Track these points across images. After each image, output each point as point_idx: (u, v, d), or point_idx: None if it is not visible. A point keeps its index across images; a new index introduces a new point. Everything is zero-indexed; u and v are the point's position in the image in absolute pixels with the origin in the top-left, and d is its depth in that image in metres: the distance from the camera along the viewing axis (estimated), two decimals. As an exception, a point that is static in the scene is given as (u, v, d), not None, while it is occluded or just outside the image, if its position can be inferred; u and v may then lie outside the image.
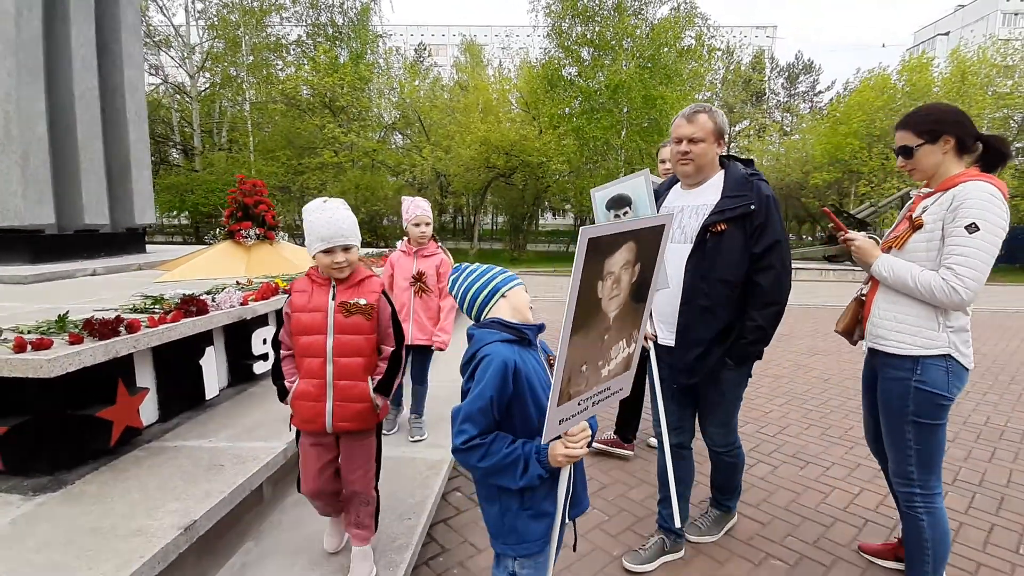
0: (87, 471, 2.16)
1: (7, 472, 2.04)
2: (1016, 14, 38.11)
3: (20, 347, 1.92)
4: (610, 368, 1.29)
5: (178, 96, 24.00)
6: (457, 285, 1.50)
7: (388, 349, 1.98)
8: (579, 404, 1.24)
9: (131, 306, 2.79)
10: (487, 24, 49.31)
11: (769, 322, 2.03)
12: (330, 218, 1.83)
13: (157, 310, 2.74)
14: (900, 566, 2.31)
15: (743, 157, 2.19)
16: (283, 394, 1.96)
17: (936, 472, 1.91)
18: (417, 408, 3.29)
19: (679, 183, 2.28)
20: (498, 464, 1.31)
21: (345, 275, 1.91)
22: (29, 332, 2.17)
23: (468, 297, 1.47)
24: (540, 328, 1.48)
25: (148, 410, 2.61)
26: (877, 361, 2.01)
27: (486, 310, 1.45)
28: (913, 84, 20.13)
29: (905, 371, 1.87)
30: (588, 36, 19.60)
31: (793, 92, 37.76)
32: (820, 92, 35.94)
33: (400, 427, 3.37)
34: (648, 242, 1.22)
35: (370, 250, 7.41)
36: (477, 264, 1.53)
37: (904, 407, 1.88)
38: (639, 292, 1.26)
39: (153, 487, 2.07)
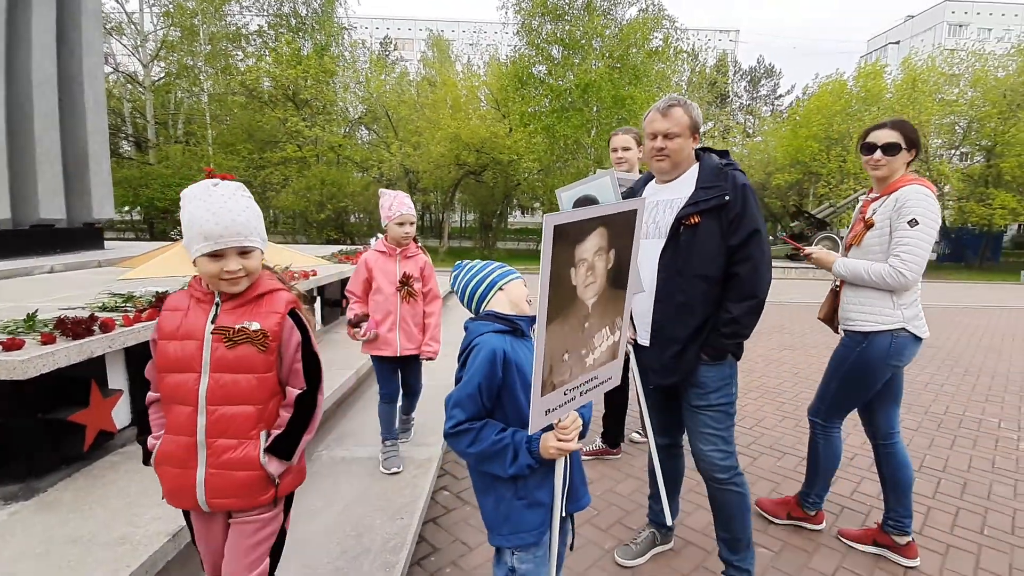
0: (60, 478, 2.06)
1: (-26, 480, 1.92)
2: (961, 25, 40.29)
3: (-11, 347, 1.81)
4: (595, 357, 1.28)
5: (130, 86, 22.97)
6: (458, 280, 1.55)
7: (295, 392, 1.40)
8: (565, 394, 1.25)
9: (100, 304, 2.67)
10: (455, 20, 49.00)
11: (744, 315, 1.91)
12: (220, 208, 1.30)
13: (129, 308, 2.63)
14: (878, 550, 2.44)
15: (718, 149, 2.09)
16: (146, 456, 1.44)
17: (841, 417, 2.52)
18: (408, 409, 3.10)
19: (654, 179, 2.19)
20: (487, 450, 1.35)
21: (239, 289, 1.36)
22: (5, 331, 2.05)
23: (468, 291, 1.52)
24: (534, 319, 1.49)
25: (122, 413, 2.50)
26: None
27: (484, 303, 1.50)
28: (868, 90, 21.03)
29: (856, 342, 2.31)
30: (558, 35, 19.73)
31: (755, 95, 38.93)
32: (781, 96, 37.16)
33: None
34: (621, 227, 1.23)
35: (340, 247, 7.28)
36: (478, 260, 1.58)
37: (841, 366, 2.38)
38: (617, 278, 1.26)
39: (134, 493, 1.99)
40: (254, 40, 23.84)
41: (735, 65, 39.22)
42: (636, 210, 1.26)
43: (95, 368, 2.28)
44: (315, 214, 20.99)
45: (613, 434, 3.37)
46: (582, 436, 1.40)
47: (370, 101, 23.20)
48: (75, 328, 2.06)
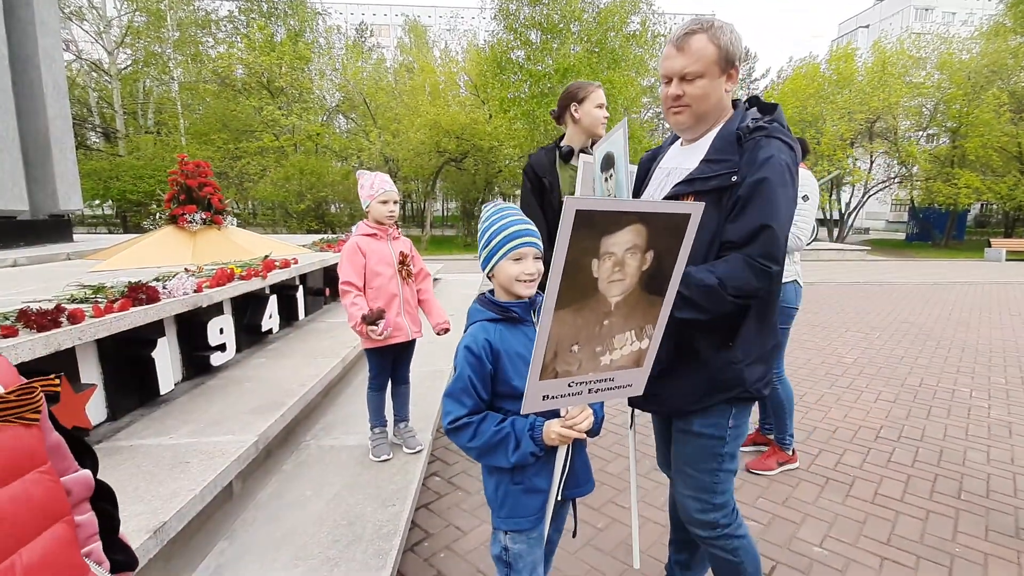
0: (31, 477, 1.95)
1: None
2: (927, 9, 40.84)
3: (-54, 341, 1.69)
4: (613, 358, 1.20)
5: (95, 74, 22.09)
6: (482, 224, 1.42)
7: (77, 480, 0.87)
8: (569, 385, 1.19)
9: (68, 296, 2.54)
10: (432, 4, 48.06)
11: (697, 296, 1.36)
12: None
13: (100, 299, 2.50)
14: (781, 468, 2.96)
15: (770, 101, 1.55)
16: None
17: (782, 358, 3.01)
18: (403, 412, 2.82)
19: (680, 139, 1.73)
20: (488, 442, 1.30)
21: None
22: (-48, 325, 1.92)
23: (481, 242, 1.39)
24: (531, 303, 1.43)
25: (96, 408, 2.39)
26: None
27: (488, 266, 1.38)
28: (840, 73, 21.25)
29: None
30: (536, 19, 19.46)
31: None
32: (756, 79, 37.34)
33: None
34: (666, 229, 1.09)
35: (321, 236, 7.11)
36: (507, 206, 1.42)
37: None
38: (653, 283, 1.15)
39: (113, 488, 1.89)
40: (225, 26, 23.07)
41: (710, 49, 39.22)
42: (690, 215, 1.10)
43: (65, 362, 2.16)
44: (295, 204, 20.56)
45: None
46: (594, 433, 1.36)
47: (347, 88, 22.68)
48: (40, 320, 1.95)
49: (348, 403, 3.32)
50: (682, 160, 1.55)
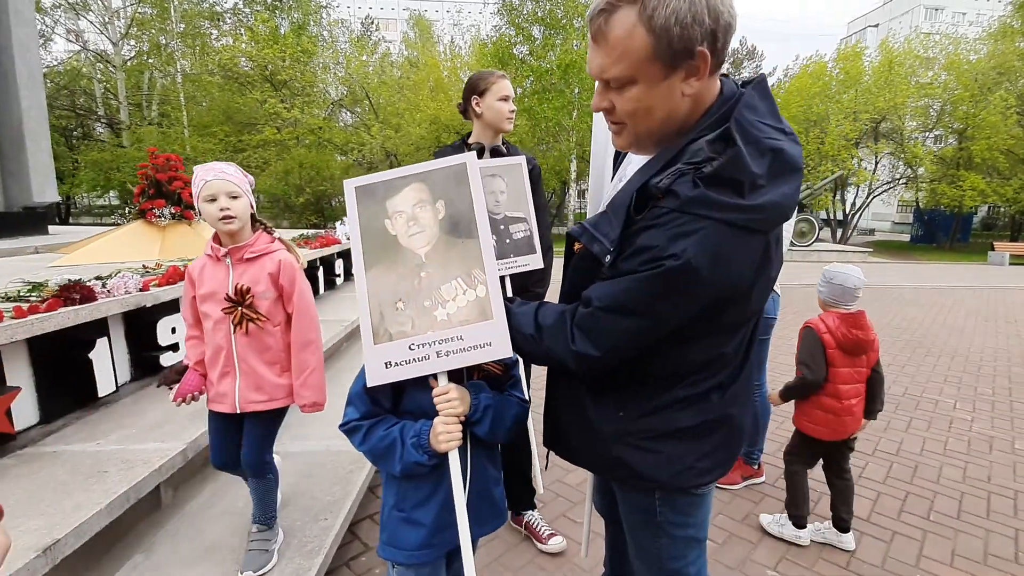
0: (-59, 483, 1.86)
1: None
2: (937, 9, 40.19)
3: None
4: (449, 312, 1.17)
5: (100, 65, 22.08)
6: None
7: None
8: (411, 348, 1.16)
9: (3, 294, 2.44)
10: (438, 0, 47.78)
11: (516, 337, 1.15)
12: None
13: (34, 298, 2.40)
14: (747, 482, 2.84)
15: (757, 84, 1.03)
16: None
17: (764, 371, 2.78)
18: (256, 510, 1.97)
19: None
20: (376, 447, 1.23)
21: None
22: None
23: None
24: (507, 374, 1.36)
25: (25, 411, 2.29)
26: None
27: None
28: (847, 72, 20.93)
29: None
30: (539, 14, 19.25)
31: (737, 77, 38.64)
32: (762, 78, 36.99)
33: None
34: (445, 180, 1.21)
35: (302, 232, 7.00)
36: None
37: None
38: (458, 228, 1.19)
39: (18, 500, 1.79)
40: (229, 18, 23.00)
41: (717, 47, 38.86)
42: (466, 163, 1.21)
43: (-15, 363, 2.07)
44: (294, 198, 20.50)
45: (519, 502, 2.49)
46: (479, 424, 1.24)
47: (350, 82, 22.57)
48: (-51, 322, 1.85)
49: (293, 411, 3.21)
50: (633, 169, 1.13)
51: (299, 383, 1.84)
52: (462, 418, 1.20)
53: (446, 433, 1.16)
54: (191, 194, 4.59)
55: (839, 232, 23.46)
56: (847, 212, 23.82)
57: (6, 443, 2.14)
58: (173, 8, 20.62)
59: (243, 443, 1.89)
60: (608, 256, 0.99)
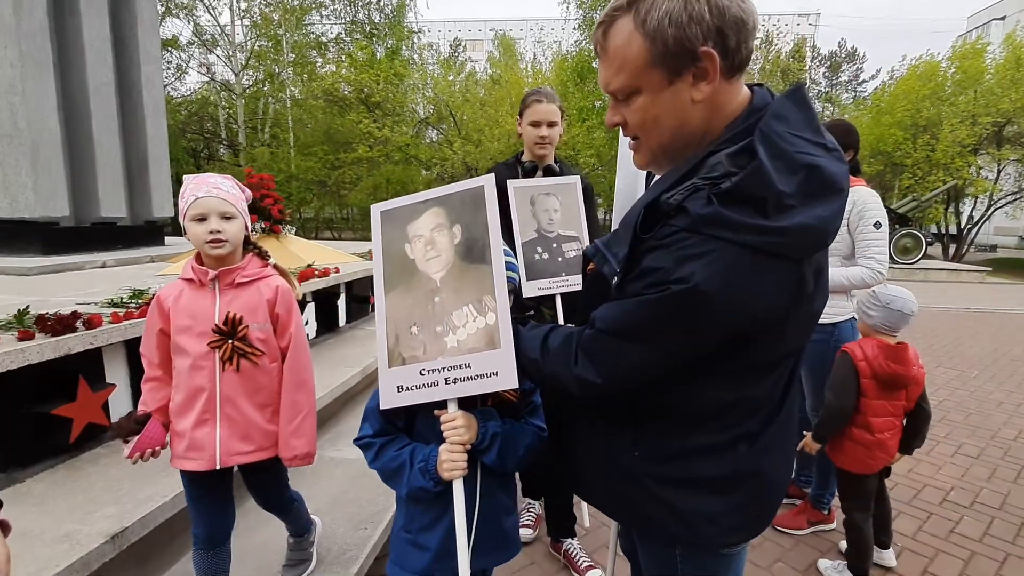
0: (42, 469, 2.10)
1: (-45, 470, 1.99)
2: (1083, -5, 34.96)
3: (-40, 344, 1.85)
4: (459, 339, 1.15)
5: (224, 93, 24.64)
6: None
7: None
8: (422, 374, 1.15)
9: (109, 300, 2.74)
10: (522, 19, 48.75)
11: (522, 360, 1.09)
12: None
13: (133, 304, 2.68)
14: (813, 528, 2.55)
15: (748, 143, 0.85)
16: None
17: None
18: (291, 526, 1.95)
19: None
20: (386, 467, 1.24)
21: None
22: (-11, 327, 2.11)
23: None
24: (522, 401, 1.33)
25: (121, 406, 2.54)
26: None
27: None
28: (964, 71, 18.71)
29: (825, 335, 2.38)
30: (619, 27, 19.03)
31: (835, 81, 35.85)
32: (864, 81, 34.01)
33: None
34: (463, 205, 1.19)
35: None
36: None
37: (825, 361, 2.30)
38: (472, 253, 1.17)
39: (99, 488, 1.98)
40: (333, 47, 24.85)
41: (813, 50, 36.28)
42: (483, 187, 1.18)
43: (87, 362, 2.32)
44: (383, 211, 21.60)
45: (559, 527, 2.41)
46: (487, 452, 1.20)
47: (437, 101, 23.53)
48: (55, 326, 2.09)
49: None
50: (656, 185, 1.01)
51: (290, 430, 1.59)
52: (468, 446, 1.17)
53: (450, 461, 1.14)
54: (280, 210, 4.90)
55: (952, 248, 20.90)
56: (962, 226, 21.18)
57: (102, 434, 2.38)
58: (285, 41, 22.59)
59: (263, 496, 1.75)
60: (615, 277, 0.92)
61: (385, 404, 1.17)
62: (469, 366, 1.13)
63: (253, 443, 1.58)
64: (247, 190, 1.66)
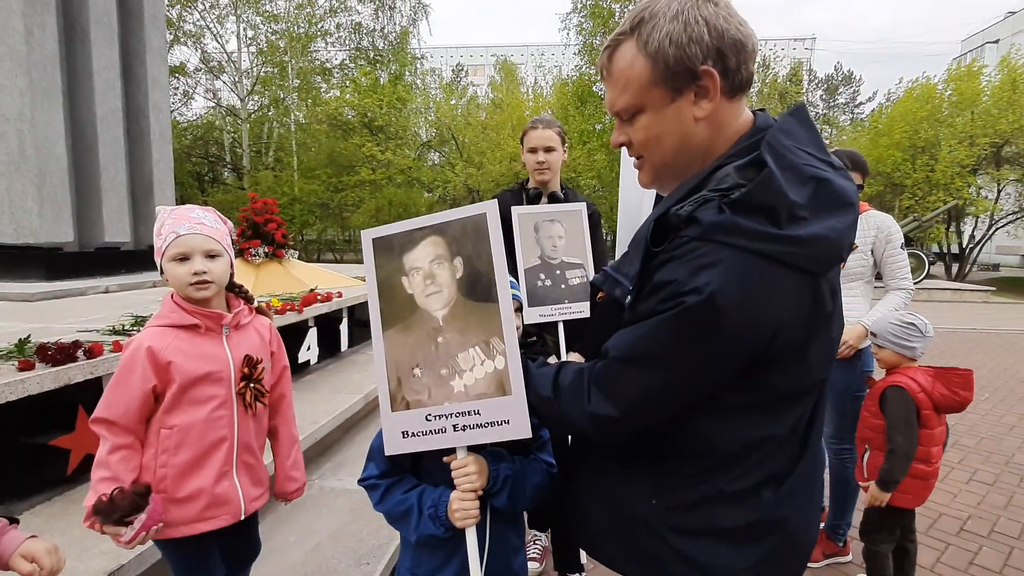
0: (40, 501, 2.06)
1: (-52, 503, 1.94)
2: (1074, 19, 35.59)
3: (-41, 376, 1.83)
4: (466, 383, 1.07)
5: (229, 118, 25.03)
6: None
7: None
8: (428, 419, 1.08)
9: (110, 328, 2.73)
10: (523, 44, 49.72)
11: (532, 399, 1.04)
12: None
13: (135, 332, 2.66)
14: (829, 560, 2.51)
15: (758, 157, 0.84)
16: None
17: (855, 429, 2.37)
18: None
19: None
20: (393, 510, 1.19)
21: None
22: (-11, 357, 2.09)
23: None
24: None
25: (119, 434, 2.51)
26: None
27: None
28: (960, 93, 18.96)
29: (851, 362, 2.38)
30: (619, 52, 19.41)
31: (832, 104, 36.33)
32: (861, 103, 34.45)
33: None
34: (464, 235, 1.09)
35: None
36: None
37: (850, 388, 2.37)
38: (476, 290, 1.08)
39: (97, 522, 1.94)
40: (337, 73, 25.33)
41: (810, 74, 36.85)
42: (485, 214, 1.08)
43: (87, 392, 2.29)
44: (384, 233, 21.74)
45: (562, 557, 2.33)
46: (498, 496, 1.16)
47: (439, 125, 23.86)
48: (56, 356, 2.07)
49: (367, 440, 3.27)
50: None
51: (289, 464, 1.59)
52: (480, 492, 1.13)
53: (462, 511, 1.11)
54: (284, 235, 4.91)
55: (955, 268, 20.89)
56: (963, 246, 21.19)
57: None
58: (290, 67, 23.03)
59: (241, 550, 1.62)
60: (628, 296, 0.89)
61: (390, 450, 1.11)
62: (479, 413, 1.07)
63: (263, 486, 1.52)
64: (228, 221, 1.52)
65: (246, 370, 1.44)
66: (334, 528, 2.36)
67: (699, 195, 0.84)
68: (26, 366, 2.00)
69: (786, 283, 0.80)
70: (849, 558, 2.48)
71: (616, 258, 1.15)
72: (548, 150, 2.24)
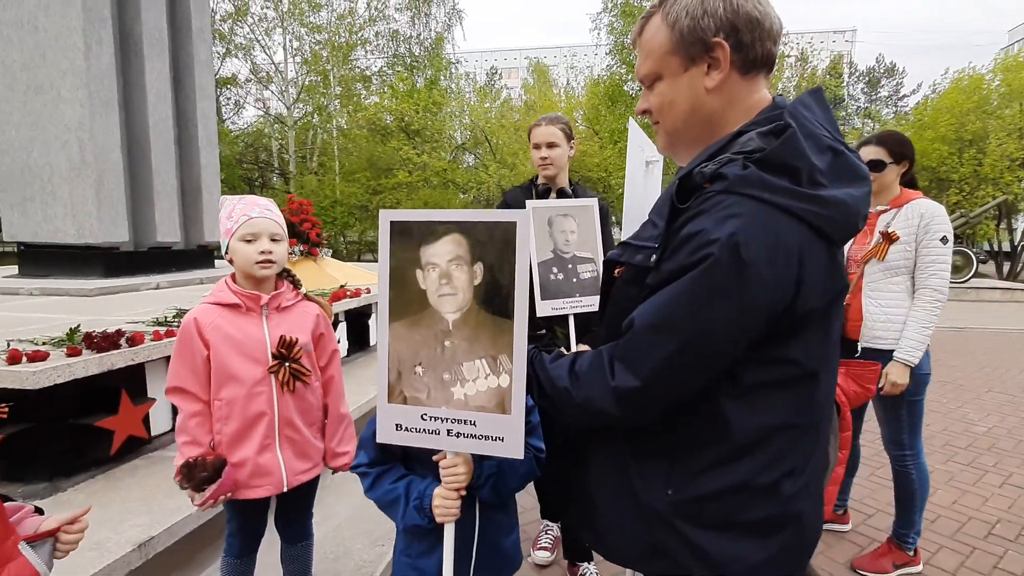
0: (84, 479, 2.19)
1: (4, 479, 2.09)
2: None
3: (14, 359, 1.97)
4: (467, 392, 1.04)
5: (277, 125, 25.92)
6: None
7: None
8: (423, 419, 1.07)
9: (153, 319, 2.87)
10: (555, 46, 49.46)
11: (549, 390, 1.01)
12: None
13: (175, 323, 2.79)
14: (901, 571, 2.32)
15: (779, 120, 0.86)
16: None
17: (919, 435, 2.29)
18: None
19: None
20: (382, 498, 1.21)
21: None
22: (44, 344, 2.24)
23: None
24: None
25: (160, 420, 2.64)
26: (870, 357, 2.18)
27: None
28: (1009, 84, 17.76)
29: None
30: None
31: (874, 97, 34.63)
32: (904, 96, 32.72)
33: None
34: (490, 241, 1.00)
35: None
36: None
37: (905, 391, 2.17)
38: (493, 303, 1.01)
39: (134, 498, 2.05)
40: (376, 80, 25.88)
41: (850, 67, 35.24)
42: (516, 223, 0.98)
43: (129, 378, 2.43)
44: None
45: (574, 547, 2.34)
46: (481, 489, 1.19)
47: (473, 128, 24.05)
48: (101, 343, 2.20)
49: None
50: None
51: (336, 440, 1.67)
52: (463, 491, 1.14)
53: (443, 507, 1.12)
54: (318, 234, 5.05)
55: (1006, 267, 19.58)
56: (1015, 243, 19.84)
57: (141, 446, 2.47)
58: (332, 75, 23.65)
59: (287, 515, 1.74)
60: (653, 257, 0.88)
61: (382, 438, 1.11)
62: (474, 424, 1.05)
63: (311, 460, 1.62)
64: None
65: (282, 350, 1.52)
66: (354, 510, 2.42)
67: (723, 156, 0.86)
68: (73, 352, 2.13)
69: (806, 243, 0.81)
70: (920, 568, 2.33)
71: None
72: (551, 146, 2.23)
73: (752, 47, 0.89)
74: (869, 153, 2.21)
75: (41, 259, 4.57)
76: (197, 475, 1.40)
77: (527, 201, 2.20)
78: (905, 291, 2.23)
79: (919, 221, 2.16)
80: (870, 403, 2.29)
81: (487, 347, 1.03)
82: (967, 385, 5.21)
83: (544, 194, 2.32)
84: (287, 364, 1.53)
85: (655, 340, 0.84)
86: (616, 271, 1.01)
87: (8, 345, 2.14)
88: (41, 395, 2.03)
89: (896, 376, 2.13)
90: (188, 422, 1.49)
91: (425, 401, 1.07)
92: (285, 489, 1.55)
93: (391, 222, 1.04)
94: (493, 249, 1.00)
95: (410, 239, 1.04)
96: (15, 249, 4.90)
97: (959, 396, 4.85)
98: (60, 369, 2.00)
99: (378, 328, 1.08)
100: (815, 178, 0.81)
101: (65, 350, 2.13)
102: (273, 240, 1.52)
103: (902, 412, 2.24)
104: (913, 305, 2.19)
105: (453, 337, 1.05)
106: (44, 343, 2.25)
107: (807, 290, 0.81)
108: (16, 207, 4.40)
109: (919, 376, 2.19)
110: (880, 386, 2.14)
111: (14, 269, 4.99)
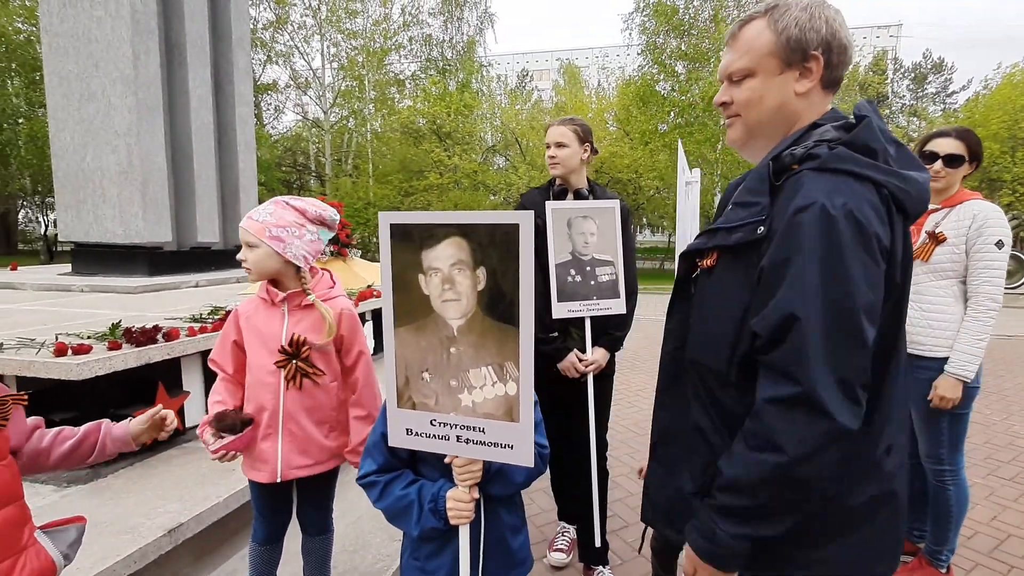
0: (123, 466, 2.30)
1: (51, 463, 2.22)
2: None
3: (60, 352, 2.09)
4: (474, 399, 1.04)
5: (314, 130, 26.62)
6: None
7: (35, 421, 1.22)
8: (432, 424, 1.07)
9: (191, 316, 2.99)
10: (587, 47, 49.13)
11: (746, 482, 0.88)
12: None
13: (210, 320, 2.90)
14: None
15: (857, 114, 0.98)
16: None
17: (961, 451, 2.15)
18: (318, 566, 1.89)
19: None
20: (393, 507, 1.20)
21: None
22: (89, 338, 2.37)
23: None
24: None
25: (195, 411, 2.75)
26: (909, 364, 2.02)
27: None
28: (1070, 78, 16.67)
29: (941, 367, 2.04)
30: (683, 49, 18.72)
31: (921, 94, 33.06)
32: (953, 92, 31.12)
33: None
34: (492, 245, 0.97)
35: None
36: None
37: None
38: (497, 309, 0.99)
39: (168, 486, 2.15)
40: (409, 84, 26.29)
41: (895, 63, 33.75)
42: (518, 225, 0.94)
43: (166, 371, 2.54)
44: (451, 234, 22.32)
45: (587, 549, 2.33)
46: (489, 486, 1.19)
47: (504, 130, 24.14)
48: (139, 338, 2.31)
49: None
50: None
51: (358, 441, 1.69)
52: (475, 491, 1.15)
53: (456, 510, 1.12)
54: (348, 235, 5.15)
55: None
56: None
57: (176, 437, 2.58)
58: (367, 80, 24.14)
59: (304, 507, 1.78)
60: (760, 228, 0.92)
61: (394, 442, 1.12)
62: (483, 431, 1.04)
63: (311, 457, 1.64)
64: (297, 211, 1.62)
65: (290, 347, 1.58)
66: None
67: (808, 141, 0.96)
68: (114, 346, 2.24)
69: (892, 215, 0.90)
70: (953, 585, 2.21)
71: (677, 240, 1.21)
72: (559, 145, 2.21)
73: (837, 68, 1.00)
74: (948, 146, 2.07)
75: (92, 258, 4.83)
76: (228, 420, 1.54)
77: (547, 203, 2.19)
78: (951, 296, 2.07)
79: (971, 223, 2.01)
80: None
81: (493, 354, 1.01)
82: (1014, 397, 4.91)
83: (560, 195, 2.31)
84: (295, 361, 1.59)
85: (819, 327, 0.83)
86: (703, 262, 1.04)
87: (56, 338, 2.27)
88: (84, 386, 2.15)
89: (947, 390, 1.99)
90: (219, 385, 1.67)
91: (434, 407, 1.07)
92: (279, 479, 1.60)
93: (391, 225, 1.01)
94: (495, 253, 0.97)
95: (411, 242, 1.02)
96: (70, 248, 5.20)
97: (1006, 408, 4.58)
98: (101, 362, 2.12)
99: (384, 334, 1.07)
100: (888, 160, 0.93)
101: (107, 344, 2.24)
102: (248, 247, 1.57)
103: (943, 424, 2.09)
104: (966, 315, 2.02)
105: (458, 344, 1.03)
106: (88, 337, 2.37)
107: (894, 261, 0.90)
108: (70, 209, 4.67)
109: (968, 389, 2.03)
110: (928, 399, 2.04)
111: (68, 267, 5.29)
